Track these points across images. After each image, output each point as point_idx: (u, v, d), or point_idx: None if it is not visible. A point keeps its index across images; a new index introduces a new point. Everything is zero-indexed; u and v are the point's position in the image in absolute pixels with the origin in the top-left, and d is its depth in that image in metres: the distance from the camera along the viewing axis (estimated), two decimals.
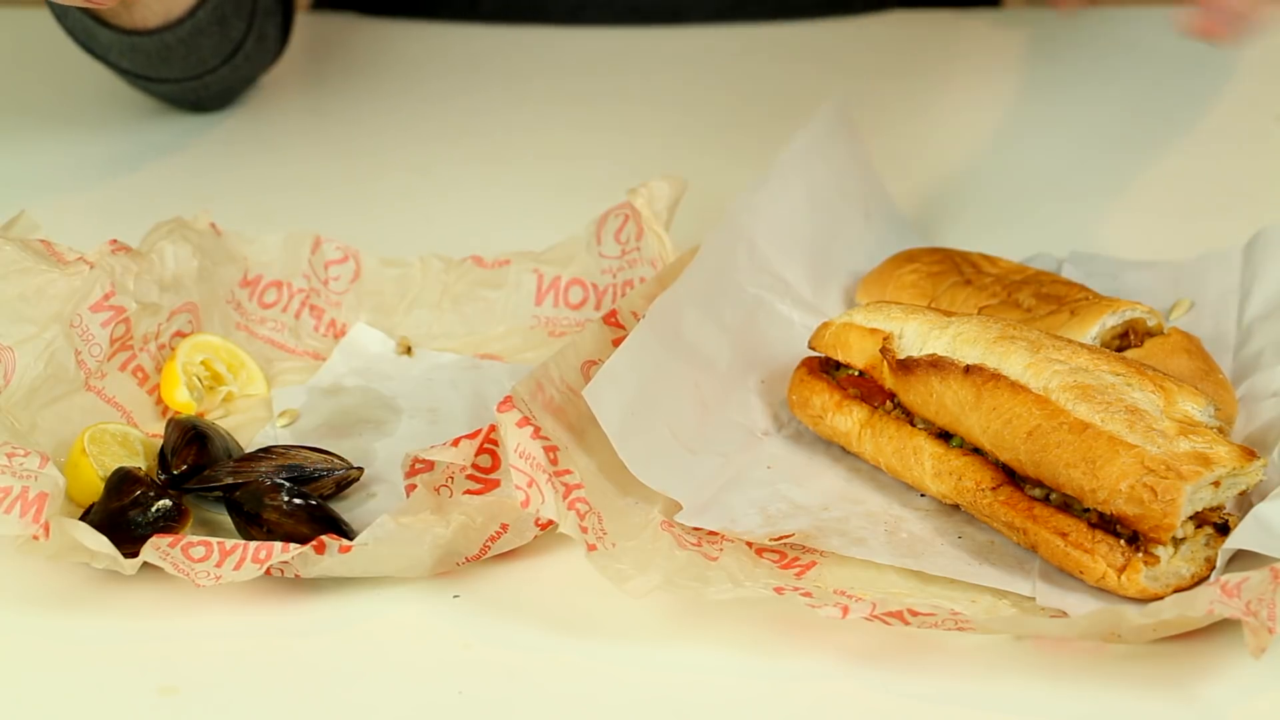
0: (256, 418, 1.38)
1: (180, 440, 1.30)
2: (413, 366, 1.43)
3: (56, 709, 1.12)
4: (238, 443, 1.33)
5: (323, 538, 1.17)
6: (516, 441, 1.16)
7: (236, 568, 1.16)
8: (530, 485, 1.15)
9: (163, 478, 1.28)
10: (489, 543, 1.20)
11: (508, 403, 1.18)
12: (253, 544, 1.17)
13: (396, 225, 1.66)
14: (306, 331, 1.47)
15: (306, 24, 2.07)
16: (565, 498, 1.16)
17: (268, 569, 1.17)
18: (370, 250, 1.49)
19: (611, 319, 1.31)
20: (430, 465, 1.22)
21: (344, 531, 1.21)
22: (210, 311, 1.43)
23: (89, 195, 1.73)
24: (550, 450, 1.17)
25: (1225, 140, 1.78)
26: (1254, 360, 1.35)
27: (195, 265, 1.42)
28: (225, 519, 1.25)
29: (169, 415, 1.36)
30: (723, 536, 1.21)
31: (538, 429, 1.17)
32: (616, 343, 1.29)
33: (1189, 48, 1.96)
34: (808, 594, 1.14)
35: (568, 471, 1.17)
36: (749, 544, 1.21)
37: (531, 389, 1.21)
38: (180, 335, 1.41)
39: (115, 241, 1.37)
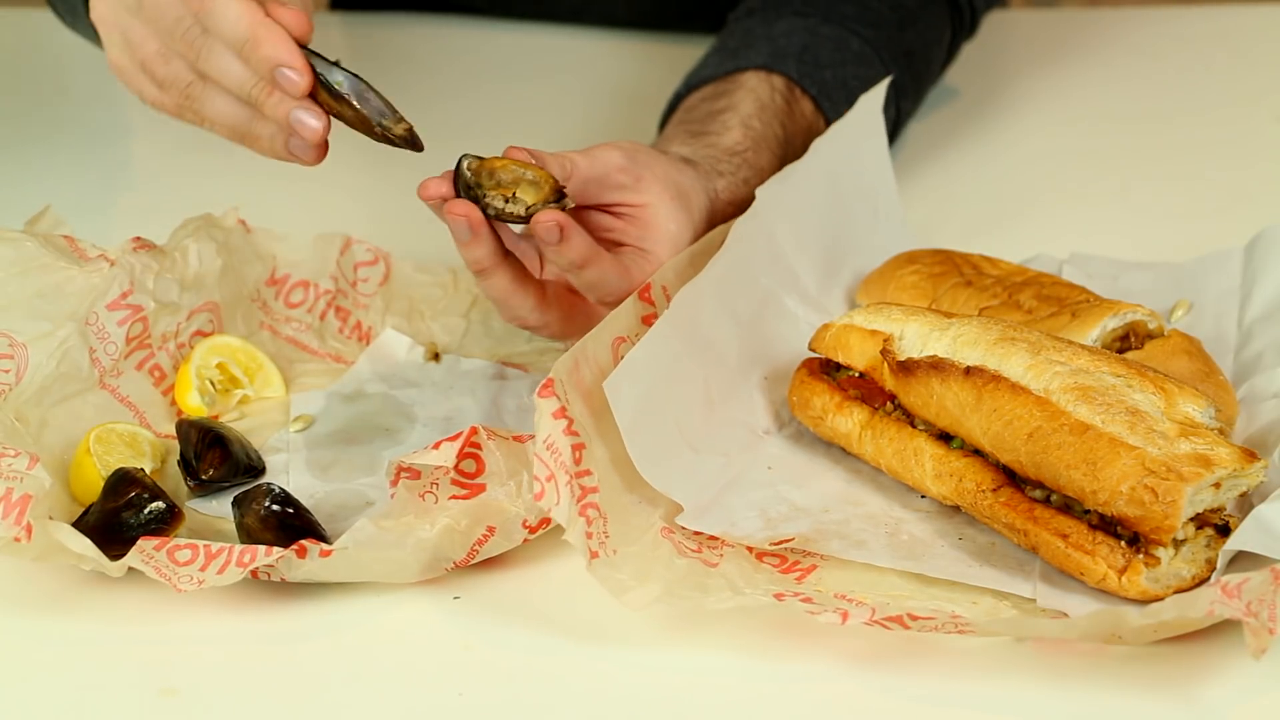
0: (272, 421, 1.38)
1: (201, 443, 1.30)
2: (436, 373, 1.43)
3: (57, 712, 1.13)
4: (251, 445, 1.33)
5: (303, 542, 1.17)
6: (548, 433, 1.15)
7: (220, 571, 1.16)
8: (549, 480, 1.14)
9: (192, 484, 1.29)
10: (476, 546, 1.20)
11: (548, 388, 1.16)
12: (238, 547, 1.17)
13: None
14: (330, 333, 1.47)
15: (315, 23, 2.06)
16: (579, 501, 1.15)
17: (253, 572, 1.16)
18: (401, 255, 1.49)
19: (645, 294, 1.30)
20: (416, 473, 1.21)
21: (321, 540, 1.21)
22: (233, 311, 1.43)
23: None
24: (578, 449, 1.16)
25: (1225, 140, 1.78)
26: (1254, 361, 1.35)
27: (219, 264, 1.42)
28: (230, 526, 1.25)
29: (179, 418, 1.36)
30: (723, 541, 1.21)
31: (571, 422, 1.16)
32: (646, 319, 1.28)
33: (1189, 48, 1.97)
34: (808, 600, 1.14)
35: (588, 473, 1.16)
36: (749, 549, 1.21)
37: (570, 368, 1.20)
38: (200, 334, 1.40)
39: (138, 239, 1.38)
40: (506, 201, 1.29)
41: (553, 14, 2.03)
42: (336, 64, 1.29)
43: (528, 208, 1.29)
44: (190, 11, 1.27)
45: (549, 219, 1.28)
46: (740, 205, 1.45)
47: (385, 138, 1.29)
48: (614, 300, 1.33)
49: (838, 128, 1.48)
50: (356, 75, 1.29)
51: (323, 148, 1.30)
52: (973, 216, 1.65)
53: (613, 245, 1.36)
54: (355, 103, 1.28)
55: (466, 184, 1.29)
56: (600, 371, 1.23)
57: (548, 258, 1.31)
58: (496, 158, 1.30)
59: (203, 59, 1.28)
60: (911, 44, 1.66)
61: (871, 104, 1.51)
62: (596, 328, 1.25)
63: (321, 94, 1.28)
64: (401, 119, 1.29)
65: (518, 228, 1.33)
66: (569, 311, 1.36)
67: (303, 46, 1.28)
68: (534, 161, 1.30)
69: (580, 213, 1.35)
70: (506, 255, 1.32)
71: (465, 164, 1.29)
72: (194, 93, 1.30)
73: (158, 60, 1.30)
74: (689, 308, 1.30)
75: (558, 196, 1.29)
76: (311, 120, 1.27)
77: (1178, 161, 1.75)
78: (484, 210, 1.29)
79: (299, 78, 1.26)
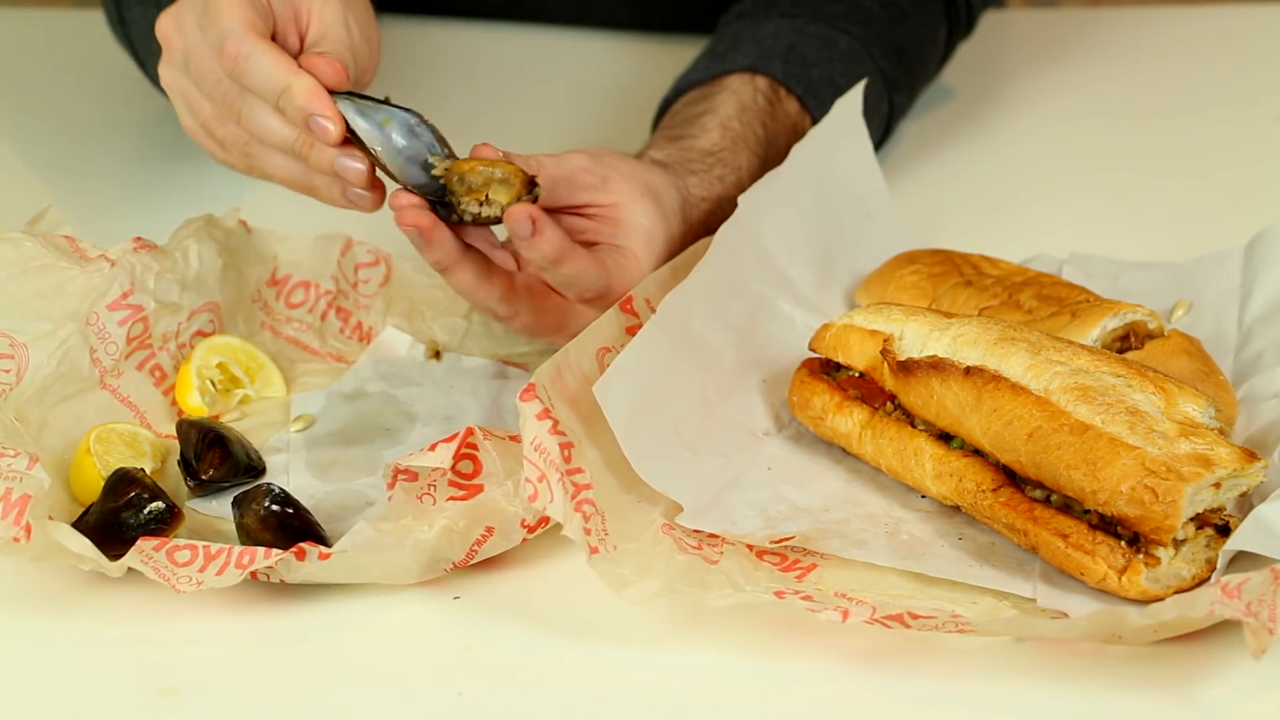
0: (272, 421, 1.38)
1: (201, 443, 1.30)
2: (437, 371, 1.43)
3: (57, 712, 1.13)
4: (252, 445, 1.33)
5: (302, 544, 1.17)
6: (534, 434, 1.16)
7: (219, 573, 1.16)
8: (541, 480, 1.15)
9: (192, 484, 1.29)
10: (475, 547, 1.20)
11: (530, 391, 1.17)
12: (237, 549, 1.17)
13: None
14: (331, 333, 1.47)
15: None
16: (574, 498, 1.15)
17: (252, 573, 1.16)
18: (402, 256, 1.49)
19: (627, 306, 1.30)
20: (414, 475, 1.21)
21: (321, 541, 1.21)
22: (234, 311, 1.43)
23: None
24: (566, 447, 1.16)
25: (1225, 140, 1.78)
26: (1254, 361, 1.35)
27: (219, 264, 1.42)
28: (230, 526, 1.25)
29: (180, 418, 1.36)
30: (723, 540, 1.21)
31: (556, 422, 1.16)
32: (630, 330, 1.28)
33: (1189, 48, 1.97)
34: (808, 598, 1.14)
35: (579, 470, 1.17)
36: (750, 547, 1.21)
37: (552, 375, 1.21)
38: (201, 335, 1.41)
39: (139, 239, 1.38)
40: (481, 205, 1.30)
41: (554, 17, 2.03)
42: (385, 101, 1.31)
43: (503, 208, 1.29)
44: (226, 71, 1.30)
45: (520, 212, 1.28)
46: (716, 202, 1.45)
47: (408, 190, 1.30)
48: (593, 297, 1.34)
49: (816, 131, 1.48)
50: (408, 110, 1.31)
51: (378, 191, 1.32)
52: (971, 216, 1.65)
53: (588, 246, 1.36)
54: (381, 156, 1.30)
55: (439, 186, 1.30)
56: (585, 379, 1.23)
57: (522, 254, 1.32)
58: (465, 160, 1.30)
59: (245, 118, 1.31)
60: (903, 40, 1.66)
61: (850, 105, 1.51)
62: (578, 338, 1.26)
63: (356, 141, 1.30)
64: (436, 164, 1.30)
65: (500, 230, 1.33)
66: (539, 304, 1.36)
67: (349, 93, 1.30)
68: (502, 157, 1.31)
69: (552, 216, 1.35)
70: (466, 250, 1.33)
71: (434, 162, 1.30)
72: (252, 151, 1.33)
73: (215, 122, 1.34)
74: (677, 314, 1.30)
75: (529, 189, 1.30)
76: (355, 164, 1.30)
77: (1178, 161, 1.75)
78: (460, 217, 1.30)
79: (331, 125, 1.28)
